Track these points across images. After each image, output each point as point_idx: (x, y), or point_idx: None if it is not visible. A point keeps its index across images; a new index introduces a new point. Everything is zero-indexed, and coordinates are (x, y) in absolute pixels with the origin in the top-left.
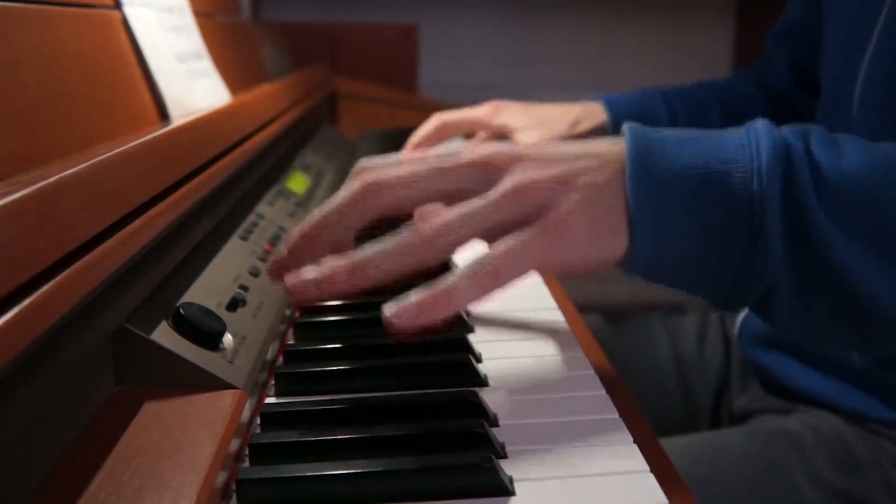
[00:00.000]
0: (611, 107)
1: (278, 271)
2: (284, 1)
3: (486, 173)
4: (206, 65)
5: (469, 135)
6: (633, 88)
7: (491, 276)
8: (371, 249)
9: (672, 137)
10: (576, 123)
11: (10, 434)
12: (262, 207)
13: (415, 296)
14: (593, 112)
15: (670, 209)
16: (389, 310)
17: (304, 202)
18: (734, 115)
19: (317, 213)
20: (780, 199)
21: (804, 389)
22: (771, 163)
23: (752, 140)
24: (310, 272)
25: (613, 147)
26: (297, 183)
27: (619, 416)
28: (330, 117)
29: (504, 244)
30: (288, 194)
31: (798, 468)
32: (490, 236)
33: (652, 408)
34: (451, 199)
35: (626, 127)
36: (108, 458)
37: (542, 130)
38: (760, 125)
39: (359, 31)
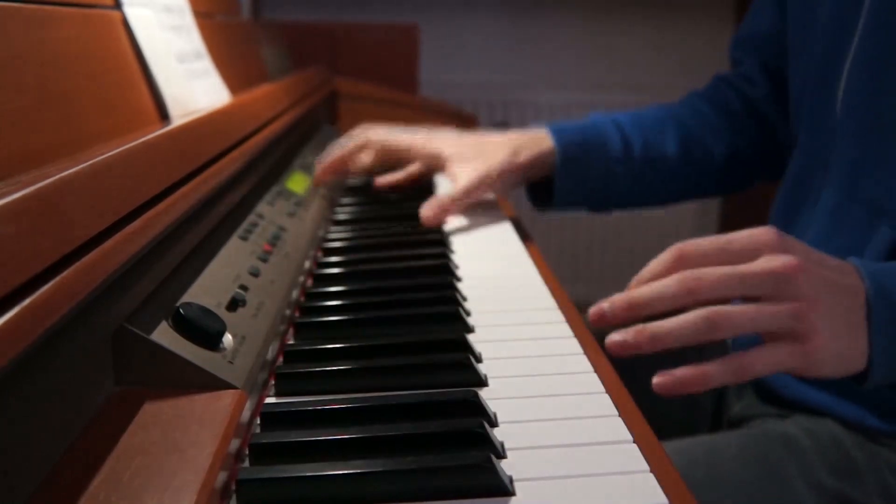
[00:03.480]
0: (558, 135)
1: (598, 319)
2: (284, 1)
3: (784, 283)
4: (206, 65)
5: (396, 160)
6: (633, 88)
7: (740, 372)
8: (670, 324)
9: None
10: (516, 152)
11: (10, 434)
12: (262, 207)
13: (679, 372)
14: (536, 140)
15: None
16: (656, 379)
17: (304, 202)
18: (692, 137)
19: (647, 293)
20: None
21: (799, 399)
22: None
23: None
24: (627, 335)
25: (858, 282)
26: (297, 183)
27: (619, 416)
28: (330, 117)
29: (762, 352)
30: (288, 194)
31: (795, 472)
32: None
33: (652, 410)
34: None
35: (860, 264)
36: (108, 458)
37: (479, 162)
38: None
39: (359, 31)
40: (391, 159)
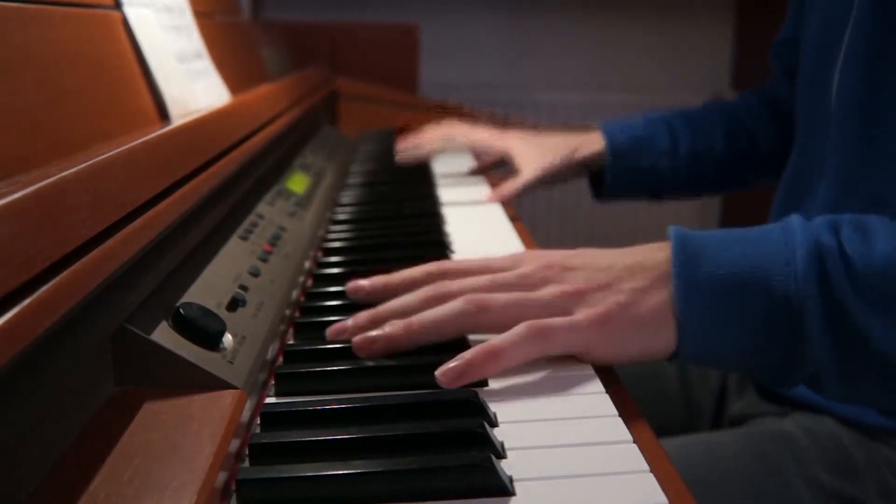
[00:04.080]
0: (609, 134)
1: (338, 334)
2: (284, 1)
3: (539, 281)
4: (206, 65)
5: (471, 151)
6: (633, 88)
7: (539, 341)
8: (427, 315)
9: (713, 241)
10: (574, 150)
11: (10, 434)
12: (262, 207)
13: (468, 354)
14: (591, 140)
15: (714, 312)
16: (441, 370)
17: (304, 202)
18: (740, 132)
19: (396, 304)
20: (817, 300)
21: (798, 397)
22: (806, 269)
23: (789, 244)
24: (374, 332)
25: (659, 253)
26: (297, 183)
27: (619, 416)
28: (330, 117)
29: (556, 320)
30: (288, 194)
31: (793, 470)
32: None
33: (653, 410)
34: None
35: (671, 232)
36: (108, 458)
37: (540, 156)
38: (796, 224)
39: (359, 31)
40: (467, 148)
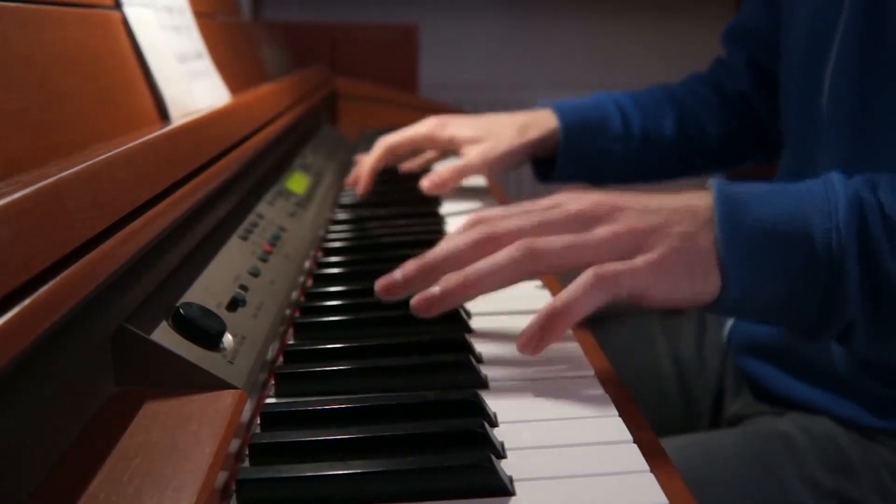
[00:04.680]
0: (562, 114)
1: (387, 289)
2: (284, 1)
3: (590, 220)
4: (206, 65)
5: (417, 151)
6: (633, 88)
7: (606, 288)
8: (482, 267)
9: (755, 193)
10: (524, 130)
11: (10, 434)
12: (262, 207)
13: (540, 318)
14: (542, 119)
15: (757, 259)
16: (521, 342)
17: (304, 202)
18: (689, 119)
19: (441, 249)
20: (856, 252)
21: (794, 397)
22: (847, 221)
23: (830, 196)
24: (433, 290)
25: (701, 200)
26: (297, 183)
27: (619, 415)
28: (330, 117)
29: (618, 265)
30: (288, 194)
31: (791, 469)
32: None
33: (651, 410)
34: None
35: (711, 182)
36: (108, 458)
37: (490, 140)
38: (837, 180)
39: (359, 31)
40: (410, 152)
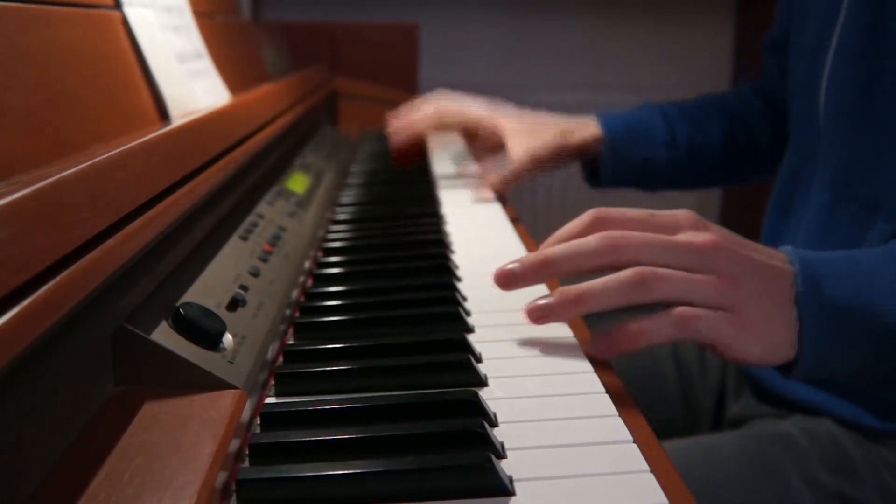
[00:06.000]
0: (606, 122)
1: (507, 281)
2: (284, 1)
3: (705, 260)
4: (206, 65)
5: (461, 128)
6: (633, 88)
7: (682, 329)
8: (596, 283)
9: (832, 273)
10: (567, 134)
11: (10, 434)
12: (262, 207)
13: (615, 335)
14: (585, 125)
15: (834, 332)
16: (597, 348)
17: (304, 202)
18: (738, 125)
19: (563, 248)
20: None
21: (796, 399)
22: None
23: None
24: (545, 300)
25: (787, 267)
26: (297, 183)
27: (619, 416)
28: (330, 117)
29: (705, 313)
30: (288, 194)
31: (793, 470)
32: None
33: (653, 412)
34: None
35: (791, 251)
36: (108, 458)
37: (532, 137)
38: None
39: (359, 31)
40: (459, 127)
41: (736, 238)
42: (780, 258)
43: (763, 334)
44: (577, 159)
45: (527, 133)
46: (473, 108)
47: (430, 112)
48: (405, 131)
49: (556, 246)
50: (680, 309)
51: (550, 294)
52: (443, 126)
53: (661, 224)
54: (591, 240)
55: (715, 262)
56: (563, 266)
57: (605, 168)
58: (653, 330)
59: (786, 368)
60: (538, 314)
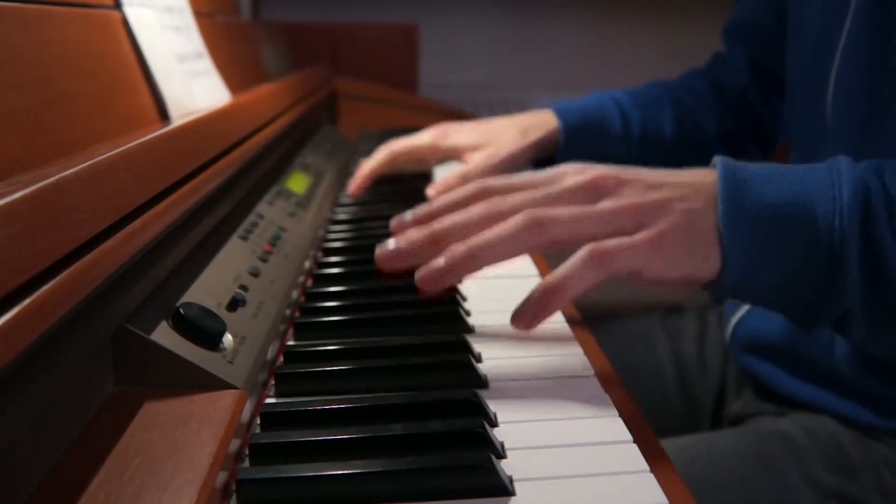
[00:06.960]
0: (562, 114)
1: (389, 262)
2: (284, 1)
3: (594, 193)
4: (206, 65)
5: (419, 160)
6: (633, 88)
7: (601, 266)
8: (488, 237)
9: (760, 174)
10: (525, 133)
11: (10, 434)
12: (262, 207)
13: (535, 295)
14: (543, 121)
15: (759, 240)
16: (515, 319)
17: (304, 202)
18: (687, 115)
19: (448, 221)
20: (858, 237)
21: (796, 396)
22: (852, 204)
23: (835, 180)
24: (438, 262)
25: (706, 178)
26: (297, 183)
27: (619, 415)
28: (330, 117)
29: (615, 242)
30: (288, 194)
31: (792, 469)
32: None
33: (652, 409)
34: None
35: (717, 160)
36: (108, 458)
37: (491, 147)
38: (843, 164)
39: (359, 31)
40: (415, 161)
41: (633, 168)
42: (701, 172)
43: (679, 251)
44: (540, 155)
45: (484, 142)
46: (424, 137)
47: (381, 154)
48: (360, 178)
49: (439, 221)
50: (589, 247)
51: (437, 258)
52: (396, 162)
53: (544, 178)
54: (474, 210)
55: (606, 192)
56: (448, 238)
57: (560, 161)
58: (572, 277)
59: (711, 285)
60: (428, 281)
